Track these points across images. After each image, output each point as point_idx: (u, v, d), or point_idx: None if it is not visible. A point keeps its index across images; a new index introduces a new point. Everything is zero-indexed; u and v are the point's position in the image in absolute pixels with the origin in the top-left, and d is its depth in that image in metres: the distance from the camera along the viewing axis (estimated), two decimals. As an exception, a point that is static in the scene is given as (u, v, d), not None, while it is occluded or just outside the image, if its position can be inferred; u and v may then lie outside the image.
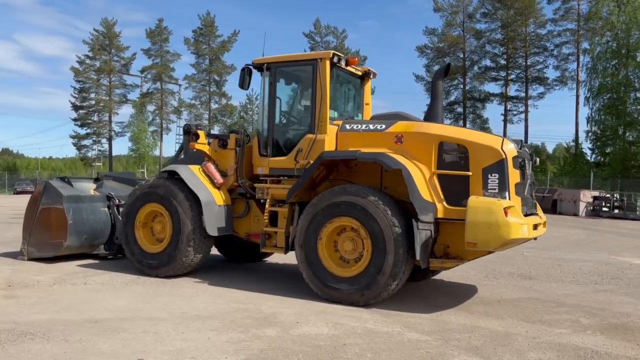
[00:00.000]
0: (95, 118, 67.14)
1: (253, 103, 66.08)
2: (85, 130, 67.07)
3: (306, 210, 6.84)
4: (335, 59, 7.38)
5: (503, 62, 55.37)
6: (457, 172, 6.44)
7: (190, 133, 8.55)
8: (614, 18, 42.09)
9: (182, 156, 8.87)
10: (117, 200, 9.41)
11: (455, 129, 7.14)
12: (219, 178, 7.98)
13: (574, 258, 11.37)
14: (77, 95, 66.27)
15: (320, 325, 5.53)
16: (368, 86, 8.58)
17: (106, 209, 9.35)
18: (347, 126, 7.30)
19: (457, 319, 6.01)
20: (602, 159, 44.55)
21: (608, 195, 29.42)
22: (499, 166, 6.21)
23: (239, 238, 8.33)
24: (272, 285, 7.51)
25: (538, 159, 7.39)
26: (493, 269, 9.39)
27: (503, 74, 55.57)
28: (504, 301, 7.02)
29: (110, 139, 67.05)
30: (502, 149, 6.26)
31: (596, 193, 30.18)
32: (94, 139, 67.80)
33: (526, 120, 54.04)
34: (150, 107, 66.19)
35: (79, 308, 5.96)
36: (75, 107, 66.20)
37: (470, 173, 6.32)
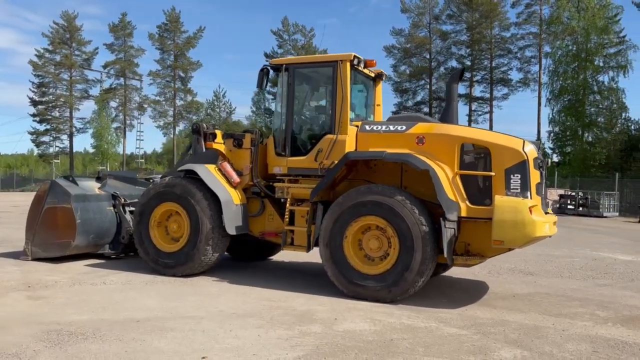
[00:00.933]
0: (56, 114, 65.06)
1: (220, 100, 65.61)
2: (45, 126, 64.95)
3: (331, 209, 6.97)
4: (355, 61, 7.54)
5: (468, 63, 56.62)
6: (480, 172, 6.71)
7: (199, 132, 8.53)
8: (574, 23, 43.64)
9: (187, 156, 8.84)
10: (122, 199, 9.32)
11: (476, 131, 7.40)
12: (235, 177, 8.02)
13: (561, 254, 11.88)
14: (35, 90, 64.03)
15: (359, 322, 5.68)
16: (379, 87, 8.77)
17: (112, 208, 9.24)
18: (367, 127, 7.46)
19: (484, 313, 6.26)
20: (562, 158, 46.23)
21: (573, 194, 30.60)
22: (521, 167, 6.50)
23: (249, 236, 8.40)
24: (291, 283, 7.61)
25: (549, 161, 7.74)
26: (493, 265, 9.72)
27: (468, 75, 56.77)
28: (518, 296, 7.33)
29: (71, 136, 65.13)
30: (523, 150, 6.55)
31: (562, 191, 31.33)
32: (53, 135, 65.73)
33: (491, 120, 55.54)
34: (113, 103, 64.75)
35: (113, 308, 5.93)
36: (34, 102, 63.92)
37: (493, 173, 6.59)
